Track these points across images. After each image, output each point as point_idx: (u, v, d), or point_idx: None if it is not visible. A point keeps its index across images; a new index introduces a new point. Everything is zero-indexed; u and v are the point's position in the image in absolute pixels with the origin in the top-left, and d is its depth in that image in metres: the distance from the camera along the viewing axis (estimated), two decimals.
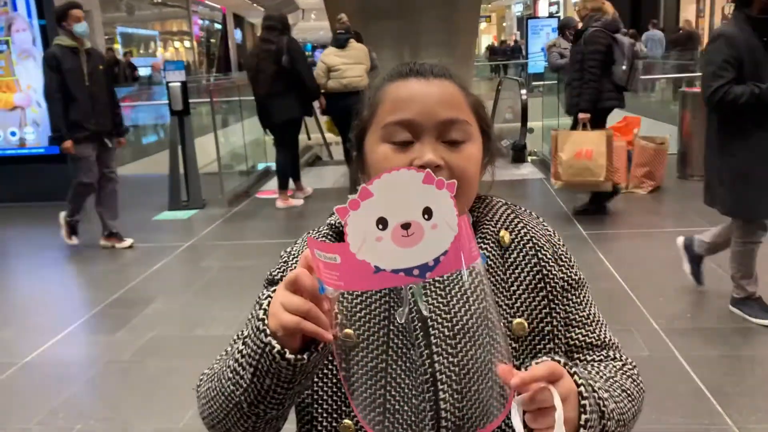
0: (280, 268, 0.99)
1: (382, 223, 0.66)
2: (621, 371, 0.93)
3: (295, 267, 0.93)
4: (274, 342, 0.74)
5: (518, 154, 8.08)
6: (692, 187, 6.39)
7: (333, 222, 0.97)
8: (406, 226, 0.66)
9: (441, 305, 0.86)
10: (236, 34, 32.78)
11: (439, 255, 0.67)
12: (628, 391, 0.90)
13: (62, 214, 5.35)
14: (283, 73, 6.02)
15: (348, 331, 0.87)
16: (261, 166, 8.51)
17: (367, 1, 10.78)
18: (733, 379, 2.86)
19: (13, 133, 6.99)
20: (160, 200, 6.60)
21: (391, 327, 0.87)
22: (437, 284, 0.87)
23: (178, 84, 6.44)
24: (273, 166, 8.41)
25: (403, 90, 0.88)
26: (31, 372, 3.28)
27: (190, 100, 6.75)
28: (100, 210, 5.33)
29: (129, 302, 4.15)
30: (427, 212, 0.66)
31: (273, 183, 7.62)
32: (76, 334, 3.72)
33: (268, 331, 0.75)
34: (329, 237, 0.97)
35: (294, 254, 0.99)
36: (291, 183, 6.63)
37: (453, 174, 0.85)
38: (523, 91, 8.32)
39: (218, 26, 30.68)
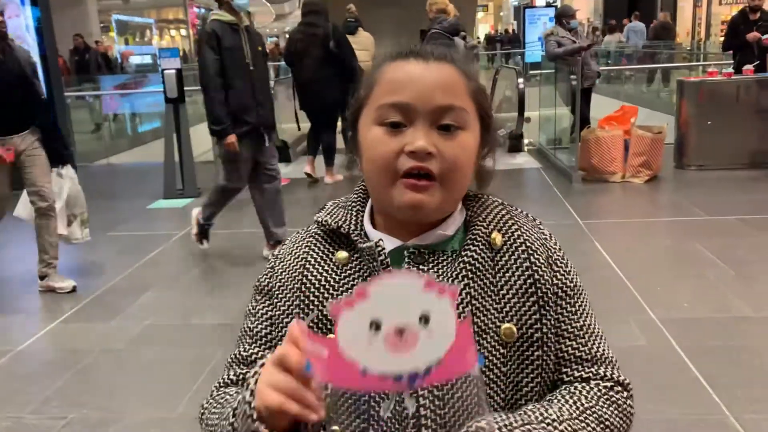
0: (267, 274, 0.96)
1: (376, 325, 0.62)
2: (605, 397, 0.87)
3: (281, 272, 0.93)
4: (261, 428, 0.73)
5: (515, 144, 8.05)
6: (689, 177, 6.39)
7: (321, 219, 0.93)
8: (400, 331, 0.62)
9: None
10: None
11: (431, 364, 0.63)
12: (607, 422, 0.85)
13: (195, 213, 4.64)
14: (329, 58, 6.15)
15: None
16: None
17: None
18: (731, 369, 2.85)
19: None
20: (155, 189, 6.56)
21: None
22: None
23: (173, 71, 6.38)
24: None
25: (401, 71, 0.85)
26: (26, 360, 3.26)
27: (186, 88, 6.69)
28: (263, 216, 4.60)
29: (124, 290, 4.12)
30: (425, 318, 0.63)
31: None
32: (70, 322, 3.69)
33: (255, 416, 0.73)
34: (318, 237, 0.94)
35: (281, 257, 0.95)
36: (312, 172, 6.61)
37: (444, 162, 0.82)
38: (520, 80, 8.27)
39: None
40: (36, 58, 6.75)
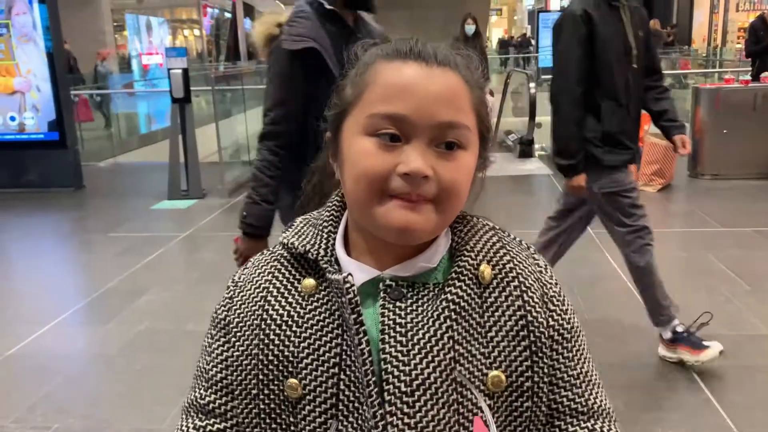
0: (224, 305, 0.83)
1: None
2: None
3: (240, 304, 0.81)
4: None
5: (525, 149, 7.93)
6: (703, 186, 6.25)
7: (288, 241, 0.81)
8: None
9: (399, 354, 0.72)
10: (246, 23, 32.67)
11: None
12: None
13: None
14: None
15: (292, 380, 0.74)
16: None
17: None
18: (743, 390, 2.73)
19: (12, 118, 6.90)
20: (159, 189, 6.50)
21: (342, 376, 0.74)
22: (398, 328, 0.73)
23: (179, 71, 6.32)
24: None
25: (399, 77, 0.72)
26: (14, 365, 3.18)
27: (192, 88, 6.63)
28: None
29: (122, 293, 4.04)
30: None
31: None
32: (64, 325, 3.61)
33: None
34: (283, 260, 0.82)
35: (241, 285, 0.83)
36: None
37: (441, 186, 0.70)
38: (532, 85, 8.15)
39: (228, 15, 30.56)
40: (43, 55, 6.73)
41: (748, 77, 6.75)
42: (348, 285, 0.73)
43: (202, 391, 0.82)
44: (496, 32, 35.41)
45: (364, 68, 0.75)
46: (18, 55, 6.74)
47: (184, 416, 0.84)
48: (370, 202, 0.71)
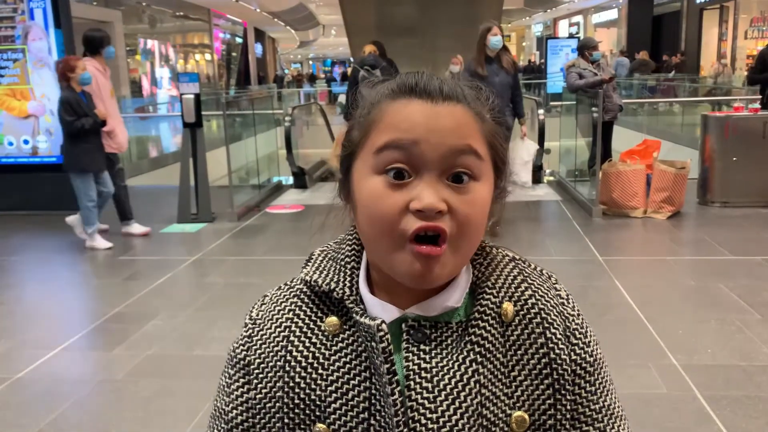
0: (243, 343, 0.81)
1: None
2: None
3: (261, 344, 0.78)
4: None
5: (534, 175, 7.93)
6: (713, 214, 6.22)
7: (310, 278, 0.79)
8: None
9: (426, 402, 0.71)
10: (257, 48, 33.02)
11: None
12: None
13: None
14: None
15: (321, 426, 0.72)
16: (275, 180, 8.45)
17: (385, 19, 10.77)
18: (758, 422, 2.69)
19: (26, 141, 6.97)
20: (169, 212, 6.53)
21: (372, 422, 0.72)
22: (423, 374, 0.72)
23: (192, 96, 6.39)
24: (285, 180, 8.37)
25: (405, 113, 0.70)
26: (22, 389, 3.17)
27: (204, 112, 6.69)
28: None
29: (129, 317, 4.05)
30: None
31: (285, 197, 7.54)
32: (72, 350, 3.61)
33: None
34: (304, 297, 0.79)
35: (260, 323, 0.80)
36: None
37: (456, 220, 0.68)
38: (541, 111, 8.18)
39: (239, 40, 30.91)
40: (55, 81, 6.82)
41: (757, 105, 6.75)
42: (382, 333, 0.71)
43: None
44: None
45: (370, 108, 0.74)
46: (33, 79, 6.83)
47: None
48: (387, 247, 0.70)
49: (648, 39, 23.30)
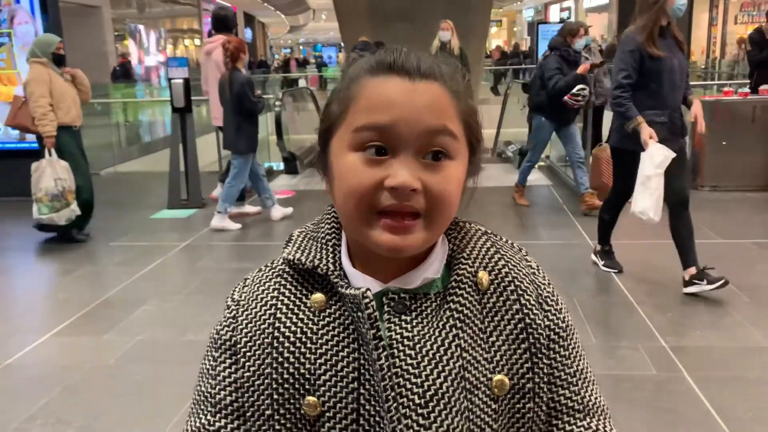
0: (227, 325, 0.81)
1: None
2: None
3: (246, 323, 0.79)
4: None
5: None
6: (703, 198, 6.24)
7: (293, 257, 0.80)
8: None
9: (410, 368, 0.73)
10: (246, 33, 32.76)
11: None
12: None
13: None
14: None
15: (311, 398, 0.74)
16: (265, 165, 8.41)
17: (377, 4, 10.69)
18: (746, 403, 2.72)
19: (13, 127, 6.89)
20: (159, 198, 6.50)
21: (362, 391, 0.73)
22: (406, 342, 0.74)
23: (181, 81, 6.34)
24: (276, 166, 8.34)
25: (383, 91, 0.71)
26: (12, 375, 3.17)
27: (193, 97, 6.64)
28: None
29: (120, 303, 4.03)
30: None
31: (275, 183, 7.51)
32: (62, 336, 3.60)
33: None
34: (287, 276, 0.80)
35: (243, 303, 0.81)
36: None
37: (430, 199, 0.70)
38: None
39: None
40: None
41: (747, 89, 6.77)
42: (367, 300, 0.73)
43: (209, 417, 0.80)
44: (495, 43, 35.53)
45: (349, 83, 0.75)
46: (19, 63, 6.75)
47: None
48: (361, 221, 0.72)
49: None
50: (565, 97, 5.55)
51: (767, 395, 2.79)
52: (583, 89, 5.59)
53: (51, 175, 4.98)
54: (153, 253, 5.00)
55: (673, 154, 3.67)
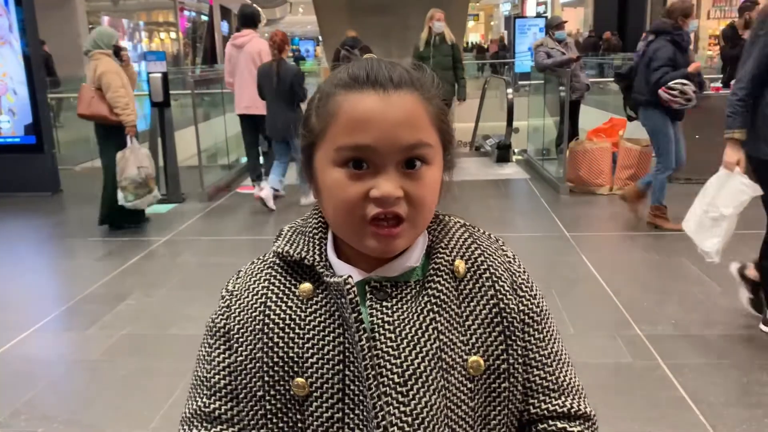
0: (222, 314, 0.87)
1: None
2: None
3: (239, 311, 0.85)
4: None
5: (503, 154, 8.03)
6: (676, 190, 6.36)
7: (282, 250, 0.86)
8: None
9: (390, 350, 0.79)
10: (223, 27, 32.46)
11: None
12: None
13: None
14: None
15: (299, 380, 0.80)
16: (243, 161, 8.39)
17: None
18: (718, 388, 2.81)
19: None
20: None
21: (347, 372, 0.79)
22: (386, 326, 0.80)
23: (159, 75, 6.30)
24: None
25: (359, 108, 0.76)
26: None
27: (172, 91, 6.61)
28: None
29: (102, 298, 4.03)
30: None
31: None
32: (45, 331, 3.60)
33: None
34: (277, 267, 0.86)
35: (237, 294, 0.87)
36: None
37: (412, 204, 0.77)
38: (509, 90, 8.26)
39: (204, 18, 30.35)
40: (19, 58, 6.68)
41: (719, 84, 6.91)
42: (348, 286, 0.79)
43: (205, 400, 0.86)
44: (473, 37, 35.64)
45: (326, 99, 0.79)
46: None
47: (186, 427, 0.87)
48: (351, 230, 0.79)
49: (614, 18, 23.49)
50: (660, 90, 4.84)
51: (738, 380, 2.89)
52: (685, 84, 4.84)
53: (134, 163, 5.14)
54: (133, 247, 4.99)
55: (760, 192, 3.24)
